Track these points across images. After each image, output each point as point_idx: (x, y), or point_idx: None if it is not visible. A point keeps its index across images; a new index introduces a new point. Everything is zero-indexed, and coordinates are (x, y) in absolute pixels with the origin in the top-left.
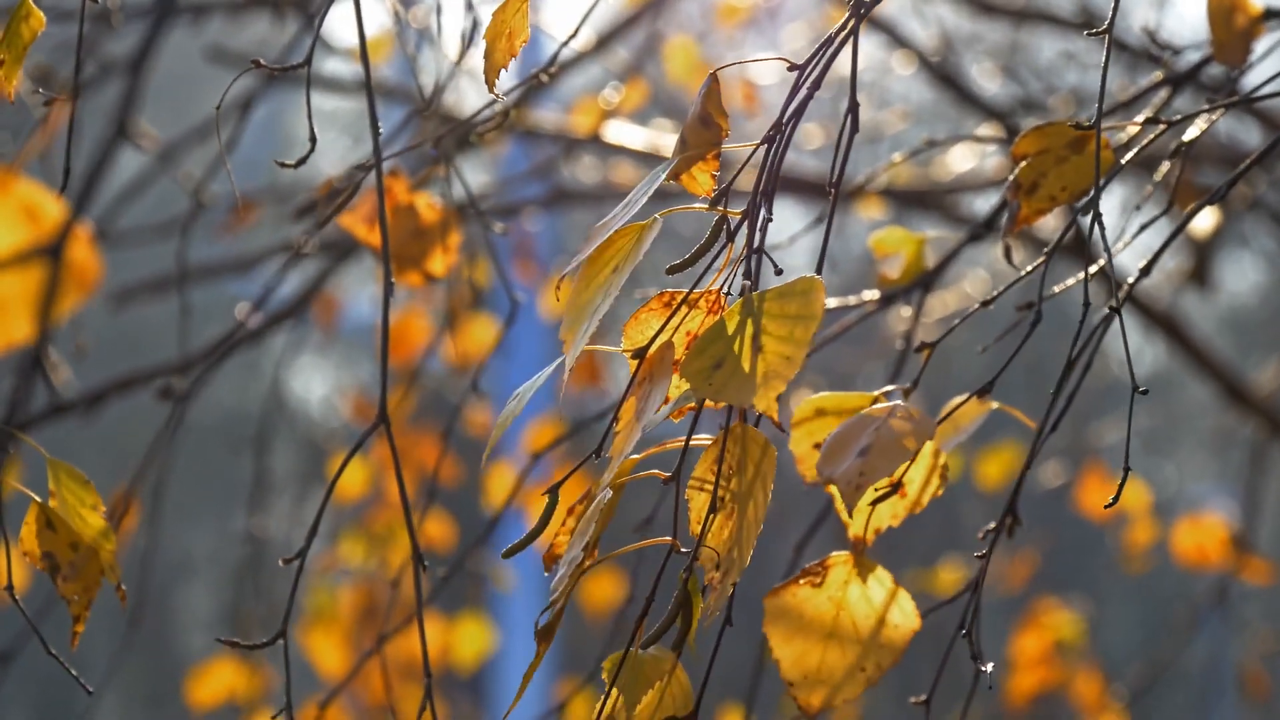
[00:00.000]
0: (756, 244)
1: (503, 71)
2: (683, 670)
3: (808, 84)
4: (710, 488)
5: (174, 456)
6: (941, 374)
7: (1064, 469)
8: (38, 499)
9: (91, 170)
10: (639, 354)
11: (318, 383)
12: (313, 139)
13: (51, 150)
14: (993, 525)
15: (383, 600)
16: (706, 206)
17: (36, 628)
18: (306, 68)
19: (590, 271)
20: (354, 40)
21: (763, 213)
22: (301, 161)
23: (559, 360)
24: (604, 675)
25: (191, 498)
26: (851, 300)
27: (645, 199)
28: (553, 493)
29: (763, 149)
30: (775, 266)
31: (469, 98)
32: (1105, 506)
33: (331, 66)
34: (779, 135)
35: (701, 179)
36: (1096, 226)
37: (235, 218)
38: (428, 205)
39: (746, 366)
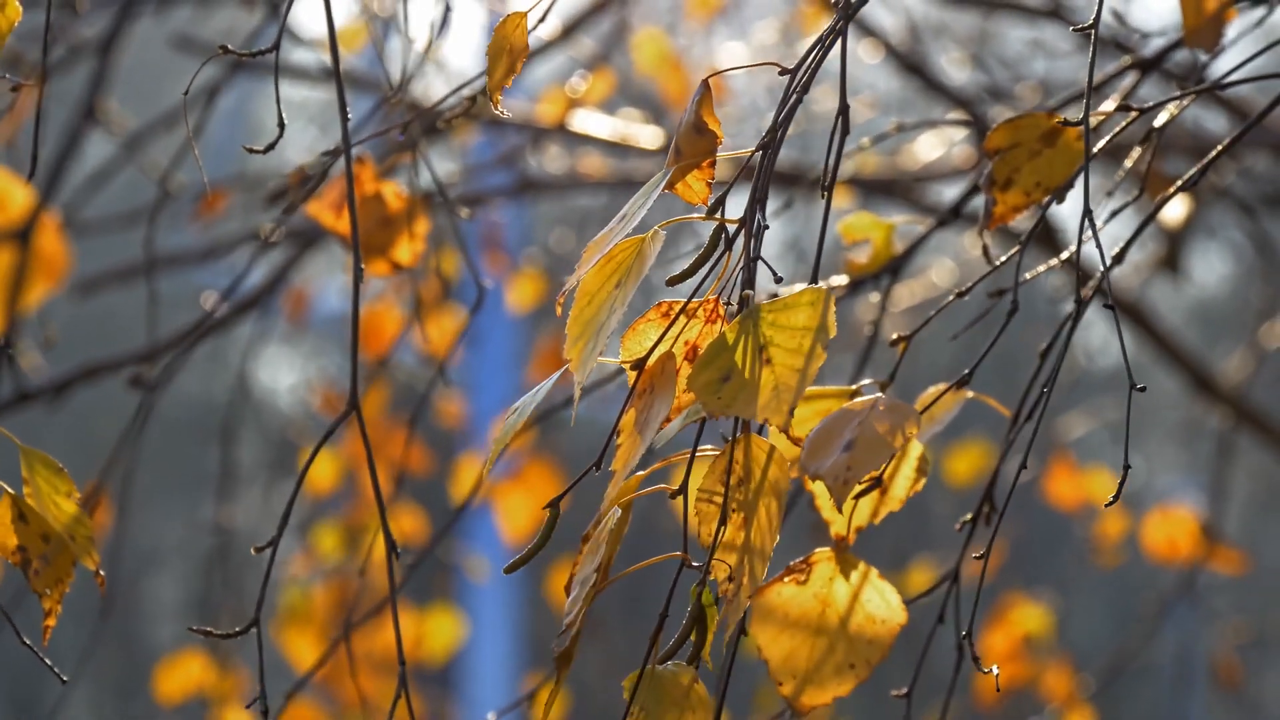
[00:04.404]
0: (754, 252)
1: (488, 72)
2: (702, 685)
3: (798, 89)
4: (718, 499)
5: (141, 447)
6: (909, 363)
7: (1031, 462)
8: (10, 490)
9: (60, 155)
10: (638, 365)
11: (285, 374)
12: (281, 125)
13: (17, 137)
14: (969, 516)
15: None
16: (704, 216)
17: (10, 619)
18: (275, 53)
19: (591, 286)
20: (322, 30)
21: (759, 220)
22: (270, 147)
23: (559, 373)
24: (624, 694)
25: (158, 488)
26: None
27: (643, 212)
28: (554, 506)
29: (757, 155)
30: (774, 275)
31: (436, 86)
32: (1106, 505)
33: (299, 57)
34: (773, 141)
35: (697, 187)
36: (1087, 223)
37: (203, 206)
38: (394, 194)
39: (755, 379)
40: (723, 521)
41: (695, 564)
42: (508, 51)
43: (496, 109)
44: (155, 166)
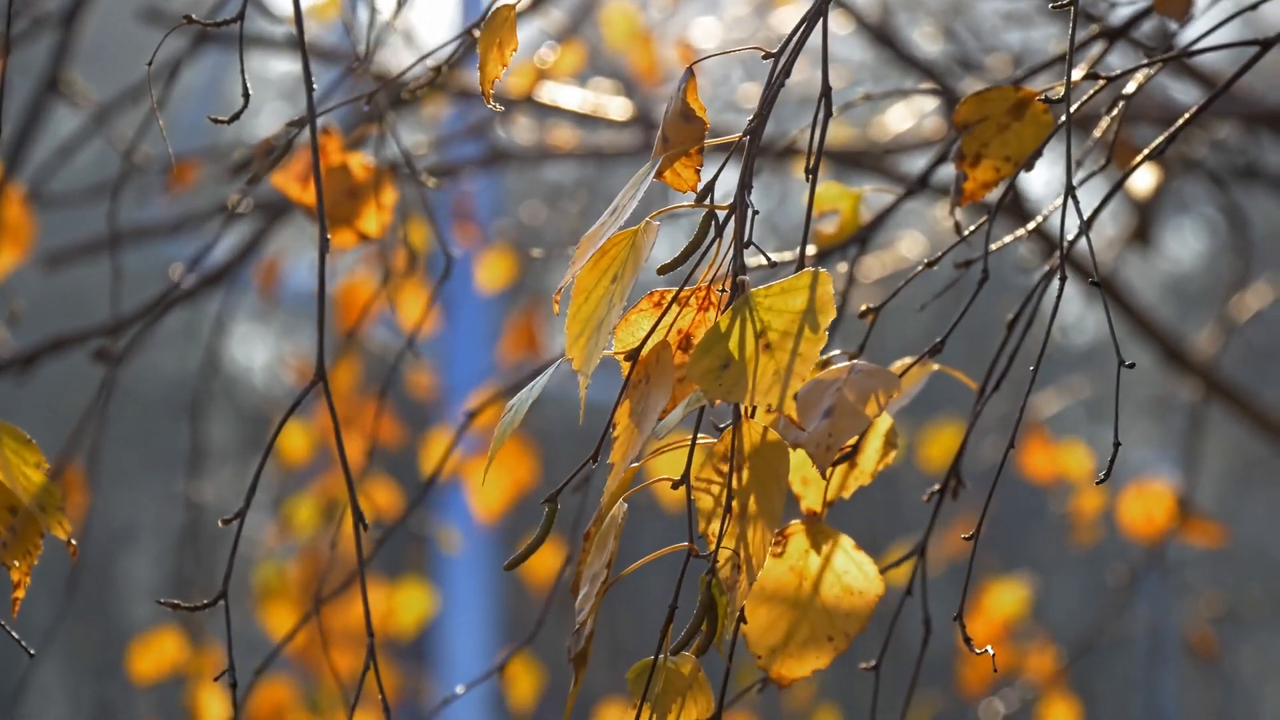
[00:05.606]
0: (745, 238)
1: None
2: (703, 673)
3: (781, 73)
4: (715, 488)
5: (115, 424)
6: (876, 337)
7: (1005, 437)
8: None
9: (24, 127)
10: (631, 356)
11: (259, 351)
12: (246, 95)
13: None
14: (937, 488)
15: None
16: (693, 203)
17: None
18: (239, 23)
19: (587, 283)
20: (290, 5)
21: (749, 205)
22: (235, 118)
23: (553, 367)
24: (629, 686)
25: (134, 465)
26: (788, 256)
27: (634, 204)
28: (552, 501)
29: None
30: (769, 260)
31: (404, 57)
32: (1096, 483)
33: (271, 30)
34: (760, 127)
35: (686, 175)
36: (1069, 201)
37: (171, 179)
38: (361, 165)
39: (755, 365)
40: (727, 510)
41: (702, 554)
42: (497, 46)
43: (489, 103)
44: (123, 140)
